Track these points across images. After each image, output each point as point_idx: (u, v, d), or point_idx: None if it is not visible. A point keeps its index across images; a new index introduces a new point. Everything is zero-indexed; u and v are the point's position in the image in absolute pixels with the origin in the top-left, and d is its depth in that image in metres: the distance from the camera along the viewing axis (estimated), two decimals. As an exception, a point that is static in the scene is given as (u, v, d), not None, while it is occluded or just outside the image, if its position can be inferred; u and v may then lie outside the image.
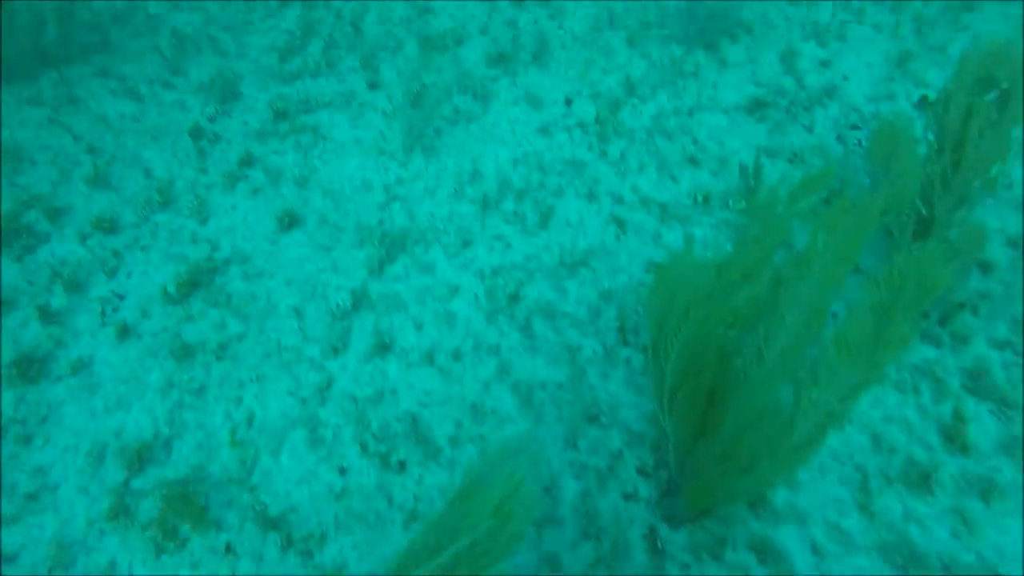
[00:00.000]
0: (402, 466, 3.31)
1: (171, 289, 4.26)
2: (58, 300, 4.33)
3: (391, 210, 4.64)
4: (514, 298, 3.97)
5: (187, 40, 6.52)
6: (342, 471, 3.33)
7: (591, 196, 4.51)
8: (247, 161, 5.15)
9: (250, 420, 3.63)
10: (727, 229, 4.16)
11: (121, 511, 3.33)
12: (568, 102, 5.30)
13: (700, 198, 4.35)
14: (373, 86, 5.73)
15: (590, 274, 4.06)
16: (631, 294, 3.89)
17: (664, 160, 4.70)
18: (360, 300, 4.08)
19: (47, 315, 4.22)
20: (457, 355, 3.76)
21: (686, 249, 2.94)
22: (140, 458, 3.52)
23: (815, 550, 2.90)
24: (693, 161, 4.66)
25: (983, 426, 3.20)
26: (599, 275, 4.04)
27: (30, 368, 3.98)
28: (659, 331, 3.02)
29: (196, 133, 5.44)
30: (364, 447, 3.40)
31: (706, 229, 4.20)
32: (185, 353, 3.94)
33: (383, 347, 3.81)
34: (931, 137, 3.57)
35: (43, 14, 6.09)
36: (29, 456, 3.60)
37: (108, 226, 4.74)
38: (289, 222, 4.63)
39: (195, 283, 4.30)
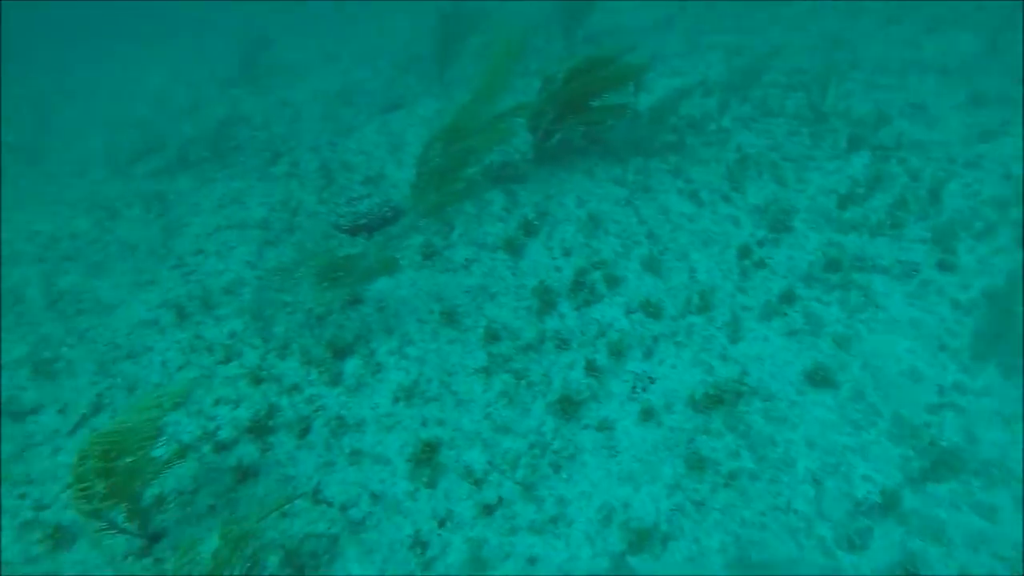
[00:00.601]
0: None
1: (698, 395, 4.91)
2: (601, 358, 5.42)
3: (943, 417, 4.43)
4: (1109, 612, 3.35)
5: (750, 160, 7.43)
6: None
7: None
8: (788, 298, 5.59)
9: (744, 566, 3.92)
10: None
11: (616, 579, 3.98)
12: None
13: None
14: (944, 267, 5.57)
15: None
16: None
17: None
18: (891, 506, 4.00)
19: (592, 368, 5.32)
20: (1006, 637, 3.37)
21: None
22: (639, 540, 4.15)
23: None
24: None
25: None
26: None
27: (568, 407, 5.08)
28: None
29: (743, 252, 6.15)
30: (871, 676, 3.32)
31: None
32: (697, 463, 4.48)
33: None
34: None
35: (639, 114, 7.79)
36: (556, 484, 4.59)
37: (652, 311, 5.73)
38: (821, 379, 4.84)
39: (719, 400, 4.86)
